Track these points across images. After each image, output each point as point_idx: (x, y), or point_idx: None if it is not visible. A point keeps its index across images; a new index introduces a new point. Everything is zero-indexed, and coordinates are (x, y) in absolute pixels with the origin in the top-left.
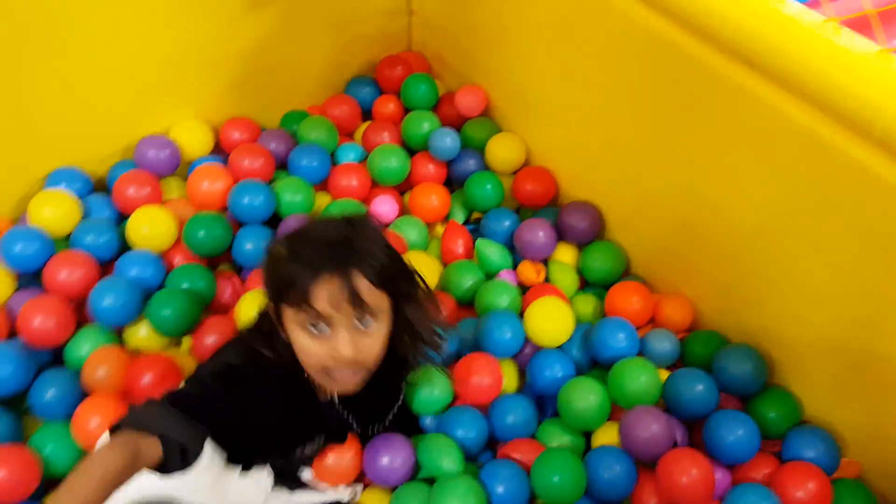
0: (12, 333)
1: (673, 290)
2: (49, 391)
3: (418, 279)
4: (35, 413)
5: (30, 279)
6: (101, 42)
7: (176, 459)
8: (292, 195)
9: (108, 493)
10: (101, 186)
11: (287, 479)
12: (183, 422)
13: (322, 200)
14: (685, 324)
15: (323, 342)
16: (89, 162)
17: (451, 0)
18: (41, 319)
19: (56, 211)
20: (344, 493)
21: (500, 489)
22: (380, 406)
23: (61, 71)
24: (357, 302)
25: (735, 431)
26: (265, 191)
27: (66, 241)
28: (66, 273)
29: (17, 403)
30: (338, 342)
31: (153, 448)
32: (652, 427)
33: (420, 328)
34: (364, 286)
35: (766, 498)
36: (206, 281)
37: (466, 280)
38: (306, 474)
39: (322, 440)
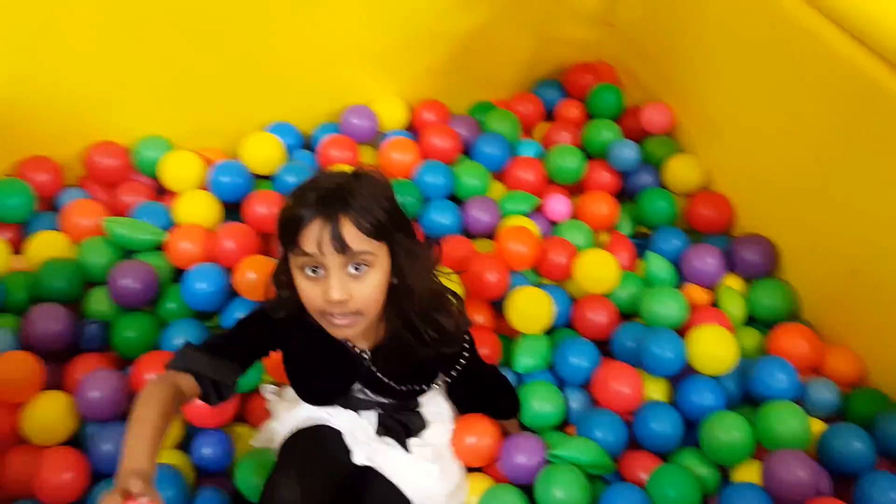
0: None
1: (840, 341)
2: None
3: (423, 243)
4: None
5: (233, 212)
6: (329, 13)
7: (211, 393)
8: (471, 178)
9: (166, 417)
10: (307, 146)
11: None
12: (213, 360)
13: (498, 188)
14: (851, 378)
15: (317, 284)
16: (301, 121)
17: (653, 17)
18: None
19: (264, 152)
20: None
21: None
22: (412, 368)
23: (294, 36)
24: (340, 247)
25: (890, 496)
26: (447, 172)
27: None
28: (263, 209)
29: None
30: (328, 284)
31: (191, 383)
32: (797, 472)
33: (414, 284)
34: (351, 232)
35: None
36: None
37: (629, 290)
38: (415, 440)
39: (363, 390)
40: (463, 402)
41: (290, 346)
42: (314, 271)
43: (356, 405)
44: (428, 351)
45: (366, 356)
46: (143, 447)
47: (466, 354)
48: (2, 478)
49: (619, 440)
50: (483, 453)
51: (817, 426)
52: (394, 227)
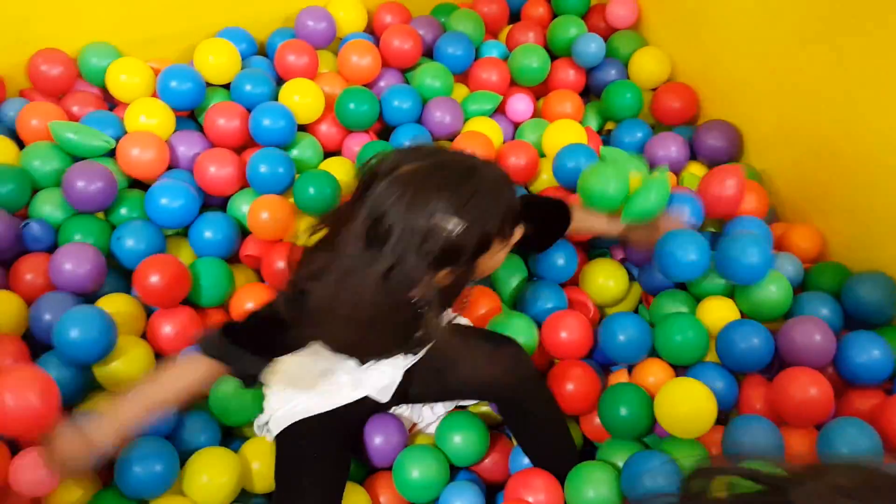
0: (171, 167)
1: (803, 221)
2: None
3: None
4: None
5: (186, 122)
6: None
7: (248, 382)
8: (433, 80)
9: (168, 404)
10: (262, 51)
11: None
12: (252, 358)
13: (460, 91)
14: (812, 254)
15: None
16: (254, 25)
17: None
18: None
19: (219, 59)
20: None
21: None
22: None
23: None
24: None
25: (871, 352)
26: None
27: (227, 91)
28: (223, 121)
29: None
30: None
31: (223, 370)
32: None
33: None
34: None
35: (866, 433)
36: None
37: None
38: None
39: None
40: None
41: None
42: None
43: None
44: None
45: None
46: (120, 426)
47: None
48: None
49: None
50: None
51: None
52: None
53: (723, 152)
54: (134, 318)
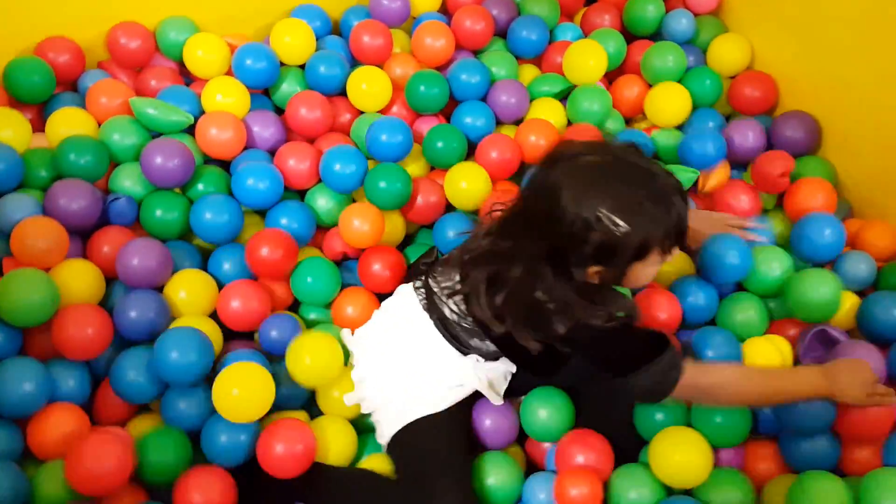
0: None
1: (878, 217)
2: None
3: None
4: None
5: (260, 98)
6: None
7: None
8: (499, 69)
9: None
10: (335, 30)
11: None
12: None
13: (531, 72)
14: (888, 252)
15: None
16: (329, 2)
17: None
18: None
19: (294, 39)
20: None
21: None
22: None
23: None
24: None
25: None
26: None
27: (301, 70)
28: (305, 111)
29: None
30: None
31: None
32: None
33: None
34: None
35: None
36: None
37: None
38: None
39: None
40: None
41: None
42: None
43: None
44: None
45: None
46: None
47: None
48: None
49: None
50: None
51: (851, 298)
52: None
53: (801, 144)
54: (204, 296)
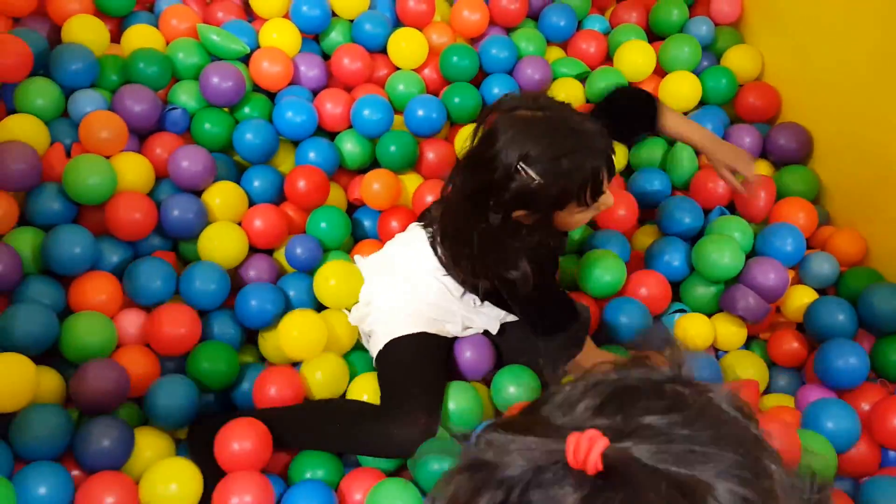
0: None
1: (852, 226)
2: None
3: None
4: None
5: (310, 43)
6: None
7: None
8: (527, 44)
9: None
10: None
11: None
12: None
13: (555, 53)
14: (853, 259)
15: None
16: None
17: None
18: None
19: None
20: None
21: None
22: None
23: None
24: None
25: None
26: (509, 44)
27: (350, 24)
28: (347, 61)
29: None
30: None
31: None
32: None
33: None
34: None
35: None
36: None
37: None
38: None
39: None
40: None
41: None
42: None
43: None
44: None
45: None
46: None
47: None
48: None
49: None
50: None
51: (810, 295)
52: None
53: (792, 154)
54: (236, 206)
